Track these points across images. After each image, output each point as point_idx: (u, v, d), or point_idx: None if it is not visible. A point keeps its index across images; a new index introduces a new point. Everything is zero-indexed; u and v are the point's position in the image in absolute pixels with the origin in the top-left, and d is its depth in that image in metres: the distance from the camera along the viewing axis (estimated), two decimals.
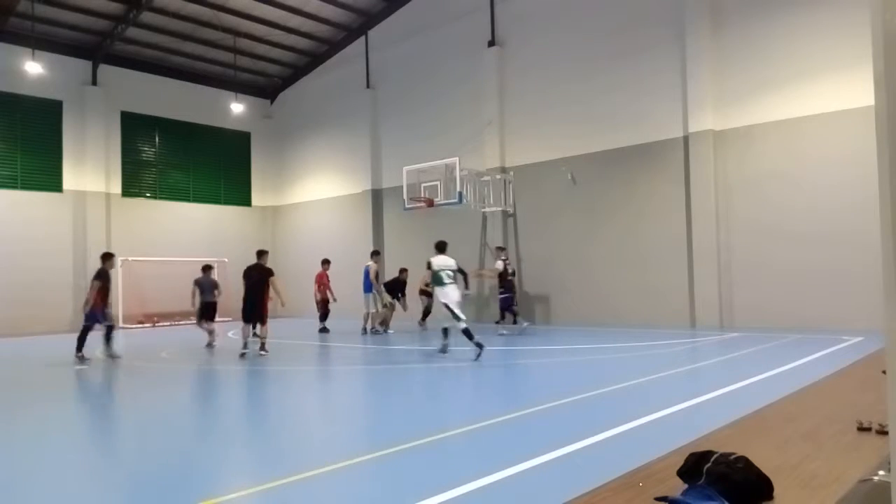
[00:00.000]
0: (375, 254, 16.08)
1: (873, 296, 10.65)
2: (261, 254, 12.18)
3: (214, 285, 13.55)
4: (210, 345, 12.90)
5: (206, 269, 13.77)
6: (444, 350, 10.43)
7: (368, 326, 15.29)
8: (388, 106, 21.20)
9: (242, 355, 10.99)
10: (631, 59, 15.37)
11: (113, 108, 21.11)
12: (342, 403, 7.46)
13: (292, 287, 24.15)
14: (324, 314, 16.19)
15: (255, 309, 11.49)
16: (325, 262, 16.27)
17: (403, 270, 16.13)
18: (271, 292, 11.78)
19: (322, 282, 16.15)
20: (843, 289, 12.26)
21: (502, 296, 14.69)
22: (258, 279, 11.61)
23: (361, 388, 8.45)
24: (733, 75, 13.94)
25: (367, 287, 15.34)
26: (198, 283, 13.46)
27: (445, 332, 10.47)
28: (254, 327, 11.73)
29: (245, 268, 11.93)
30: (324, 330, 15.89)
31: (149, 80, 21.87)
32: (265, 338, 11.71)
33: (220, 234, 23.47)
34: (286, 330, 16.73)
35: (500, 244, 16.76)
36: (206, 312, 13.32)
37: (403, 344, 12.99)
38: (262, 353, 11.39)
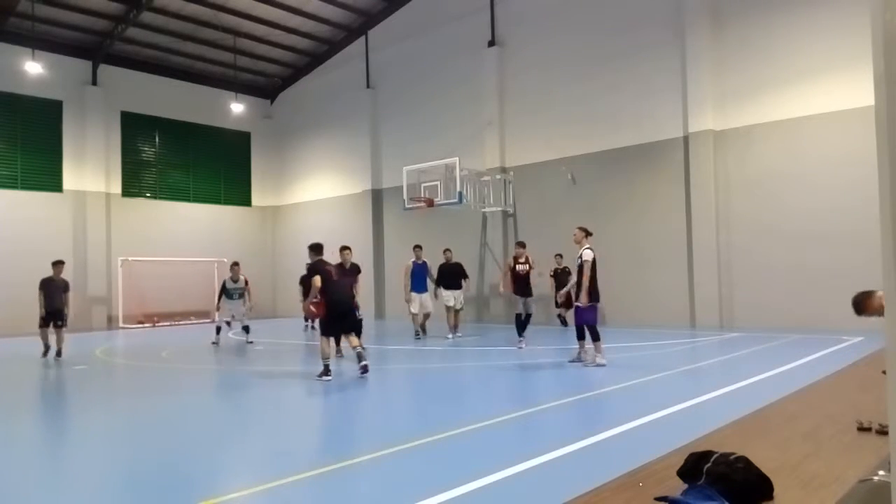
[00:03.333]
0: (419, 247, 13.64)
1: None
2: (320, 248, 9.22)
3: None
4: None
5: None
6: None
7: (421, 327, 13.24)
8: (388, 106, 21.20)
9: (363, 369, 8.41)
10: (631, 59, 15.37)
11: (113, 108, 21.11)
12: (342, 404, 7.46)
13: (292, 287, 24.19)
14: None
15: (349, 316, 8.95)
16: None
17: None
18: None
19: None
20: (843, 289, 12.14)
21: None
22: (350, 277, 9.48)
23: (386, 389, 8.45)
24: (733, 75, 13.94)
25: (423, 285, 13.25)
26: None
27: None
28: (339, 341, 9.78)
29: (311, 265, 8.95)
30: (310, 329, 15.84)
31: (149, 80, 21.87)
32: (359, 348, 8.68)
33: (220, 234, 23.47)
34: (291, 330, 16.71)
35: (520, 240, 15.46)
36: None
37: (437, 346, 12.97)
38: (365, 374, 8.37)
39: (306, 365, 10.83)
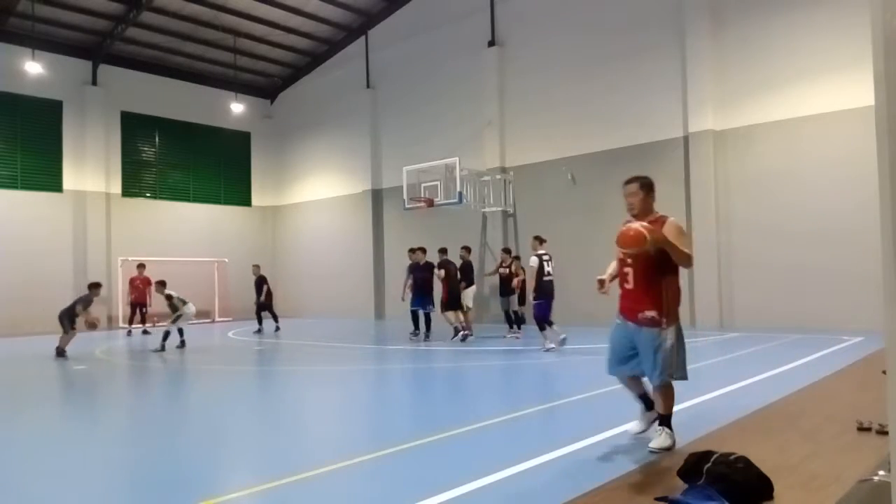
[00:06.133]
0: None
1: (873, 296, 10.64)
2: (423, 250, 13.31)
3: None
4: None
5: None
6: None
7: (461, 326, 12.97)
8: (388, 106, 21.20)
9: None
10: (631, 59, 15.37)
11: (113, 108, 21.10)
12: (343, 404, 7.46)
13: (292, 287, 24.24)
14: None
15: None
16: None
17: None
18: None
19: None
20: (843, 289, 12.26)
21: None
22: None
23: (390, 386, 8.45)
24: (733, 75, 13.94)
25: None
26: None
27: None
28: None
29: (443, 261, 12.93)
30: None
31: (149, 80, 21.87)
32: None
33: (220, 234, 23.47)
34: (311, 330, 16.71)
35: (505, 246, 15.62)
36: None
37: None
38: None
39: (307, 365, 10.84)
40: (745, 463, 3.39)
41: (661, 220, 4.36)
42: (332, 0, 20.16)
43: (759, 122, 13.57)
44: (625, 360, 4.56)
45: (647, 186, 4.54)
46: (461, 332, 12.55)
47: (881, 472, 3.51)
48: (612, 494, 3.52)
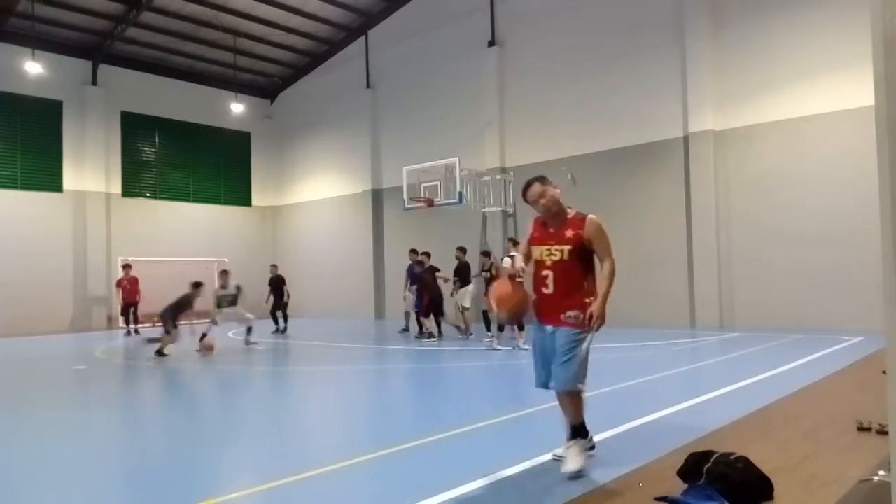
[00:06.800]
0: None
1: (873, 296, 10.64)
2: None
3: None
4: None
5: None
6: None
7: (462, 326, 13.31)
8: (388, 106, 21.20)
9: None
10: (631, 59, 15.37)
11: (113, 108, 21.10)
12: (343, 403, 7.46)
13: (292, 287, 24.11)
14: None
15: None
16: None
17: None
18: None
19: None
20: (843, 289, 12.26)
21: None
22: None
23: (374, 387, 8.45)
24: (733, 75, 13.94)
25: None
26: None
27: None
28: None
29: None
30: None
31: (149, 80, 21.87)
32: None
33: (220, 234, 23.47)
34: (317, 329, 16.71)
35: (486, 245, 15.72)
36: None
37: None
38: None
39: (307, 364, 10.84)
40: (745, 463, 3.39)
41: (582, 218, 4.07)
42: (332, 0, 20.16)
43: (759, 122, 13.57)
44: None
45: (546, 182, 4.19)
46: (426, 332, 13.12)
47: (881, 472, 3.51)
48: (612, 494, 3.52)
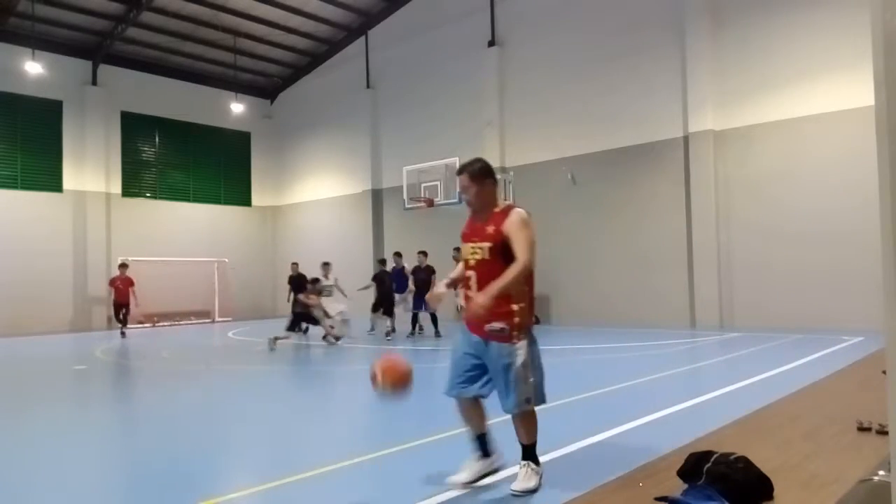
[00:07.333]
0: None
1: (873, 296, 10.64)
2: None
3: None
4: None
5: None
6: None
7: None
8: (388, 106, 21.20)
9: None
10: (631, 59, 15.37)
11: (113, 108, 21.11)
12: (343, 403, 7.46)
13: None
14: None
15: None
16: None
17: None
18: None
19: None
20: (843, 289, 12.26)
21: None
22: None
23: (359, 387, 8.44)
24: (733, 75, 13.95)
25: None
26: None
27: None
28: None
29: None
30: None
31: (149, 80, 21.87)
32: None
33: (220, 234, 23.48)
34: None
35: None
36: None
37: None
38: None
39: (307, 364, 10.84)
40: (745, 463, 3.39)
41: (506, 212, 3.58)
42: (332, 0, 20.16)
43: (759, 122, 13.58)
44: (470, 379, 3.79)
45: (481, 173, 3.64)
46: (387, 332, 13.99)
47: (881, 472, 3.51)
48: (612, 494, 3.52)
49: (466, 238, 3.72)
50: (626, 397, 6.59)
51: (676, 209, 14.61)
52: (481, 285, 3.52)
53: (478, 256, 3.60)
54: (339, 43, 22.46)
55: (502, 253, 3.52)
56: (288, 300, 15.95)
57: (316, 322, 13.03)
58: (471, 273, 3.65)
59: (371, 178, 21.41)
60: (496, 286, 3.41)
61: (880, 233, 1.75)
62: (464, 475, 3.68)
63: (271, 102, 25.63)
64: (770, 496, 3.30)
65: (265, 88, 25.15)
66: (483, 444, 3.78)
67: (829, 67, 12.66)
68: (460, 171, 3.70)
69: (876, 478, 3.48)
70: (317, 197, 23.90)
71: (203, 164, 23.57)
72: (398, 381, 3.73)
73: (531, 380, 3.55)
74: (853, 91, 12.08)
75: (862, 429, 4.60)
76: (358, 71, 21.92)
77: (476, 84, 18.35)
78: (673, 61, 14.69)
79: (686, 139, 14.47)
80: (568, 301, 16.51)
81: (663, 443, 4.43)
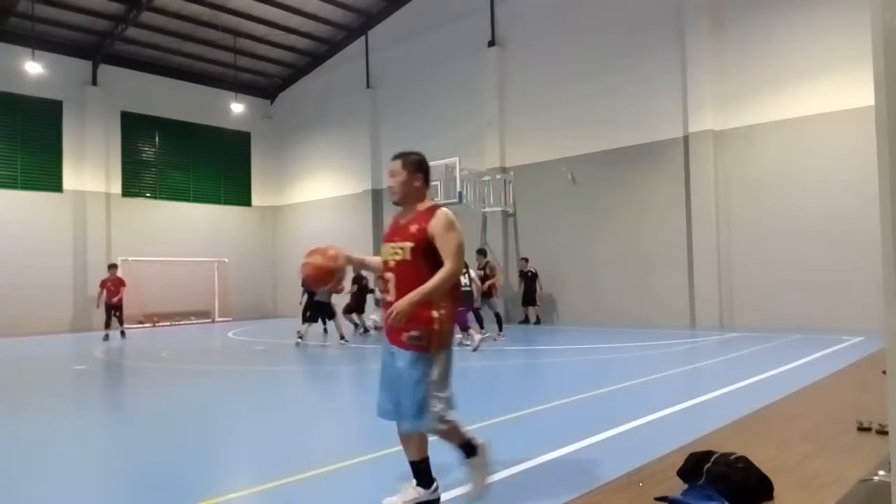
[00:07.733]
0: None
1: (873, 296, 10.65)
2: None
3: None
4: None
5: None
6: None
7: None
8: (388, 106, 21.20)
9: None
10: (631, 59, 15.37)
11: (113, 108, 21.11)
12: (343, 403, 7.46)
13: (293, 287, 24.20)
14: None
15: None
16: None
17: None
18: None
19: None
20: (843, 289, 12.26)
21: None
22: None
23: (362, 386, 8.45)
24: (733, 75, 13.95)
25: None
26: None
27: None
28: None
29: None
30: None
31: (149, 80, 21.88)
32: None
33: (220, 234, 23.48)
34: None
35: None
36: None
37: None
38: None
39: (307, 364, 10.84)
40: (745, 463, 3.39)
41: (431, 211, 3.33)
42: (332, 0, 20.17)
43: (759, 122, 13.58)
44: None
45: (414, 165, 3.44)
46: (361, 330, 14.60)
47: (881, 472, 3.51)
48: (613, 494, 3.52)
49: (388, 238, 3.42)
50: (626, 397, 6.59)
51: (676, 209, 14.61)
52: (400, 289, 3.23)
53: (398, 257, 3.29)
54: (339, 43, 22.46)
55: (424, 255, 3.24)
56: (300, 303, 15.46)
57: (332, 315, 13.40)
58: (389, 275, 3.32)
59: (371, 178, 21.40)
60: (420, 292, 3.14)
61: (880, 233, 1.75)
62: (397, 498, 3.36)
63: (271, 102, 25.63)
64: (770, 496, 3.30)
65: (265, 88, 25.15)
66: (466, 449, 3.40)
67: (829, 67, 12.66)
68: (396, 157, 3.50)
69: (876, 478, 3.48)
70: (317, 197, 23.90)
71: (203, 164, 23.57)
72: (316, 272, 3.50)
73: (444, 396, 3.23)
74: (853, 91, 12.08)
75: (862, 429, 4.60)
76: (358, 71, 21.92)
77: (476, 84, 18.35)
78: (673, 61, 14.69)
79: (686, 139, 14.47)
80: (568, 301, 16.52)
81: (663, 443, 4.43)
